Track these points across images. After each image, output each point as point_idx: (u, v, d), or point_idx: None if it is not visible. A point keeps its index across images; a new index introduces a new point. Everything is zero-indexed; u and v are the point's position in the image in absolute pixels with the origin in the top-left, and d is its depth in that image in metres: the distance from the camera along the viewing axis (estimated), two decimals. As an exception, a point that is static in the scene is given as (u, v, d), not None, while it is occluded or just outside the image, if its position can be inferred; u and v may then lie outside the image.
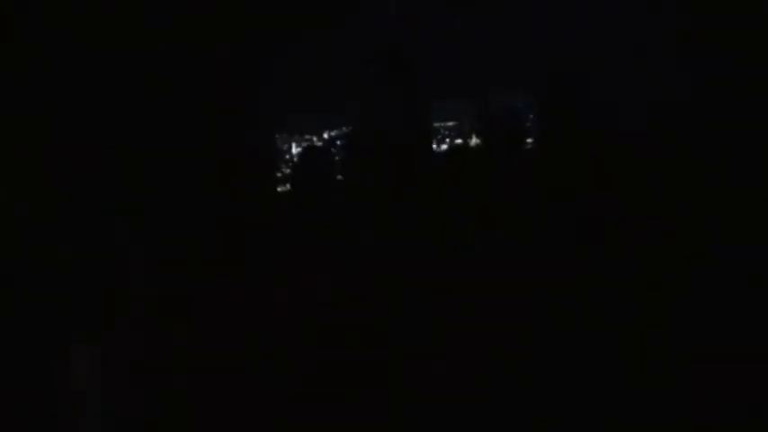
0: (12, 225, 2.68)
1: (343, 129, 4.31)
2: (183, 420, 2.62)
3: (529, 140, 3.59)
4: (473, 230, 2.99)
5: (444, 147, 4.04)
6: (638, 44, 3.26)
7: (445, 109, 3.97)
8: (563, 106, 3.31)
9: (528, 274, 2.86)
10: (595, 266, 2.86)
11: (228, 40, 3.11)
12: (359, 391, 2.65)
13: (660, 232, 2.96)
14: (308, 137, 4.31)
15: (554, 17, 3.36)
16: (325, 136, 4.28)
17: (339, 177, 3.72)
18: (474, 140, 3.86)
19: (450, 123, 4.07)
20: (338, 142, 4.17)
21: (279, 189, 3.79)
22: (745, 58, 3.05)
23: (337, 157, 3.92)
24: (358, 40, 3.75)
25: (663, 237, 2.95)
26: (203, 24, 3.04)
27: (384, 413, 2.65)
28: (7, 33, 2.66)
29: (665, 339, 2.72)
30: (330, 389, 2.66)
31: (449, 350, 2.76)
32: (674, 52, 3.22)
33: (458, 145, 3.69)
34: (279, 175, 4.15)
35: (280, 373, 2.69)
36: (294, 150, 4.25)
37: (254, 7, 3.18)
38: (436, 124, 4.10)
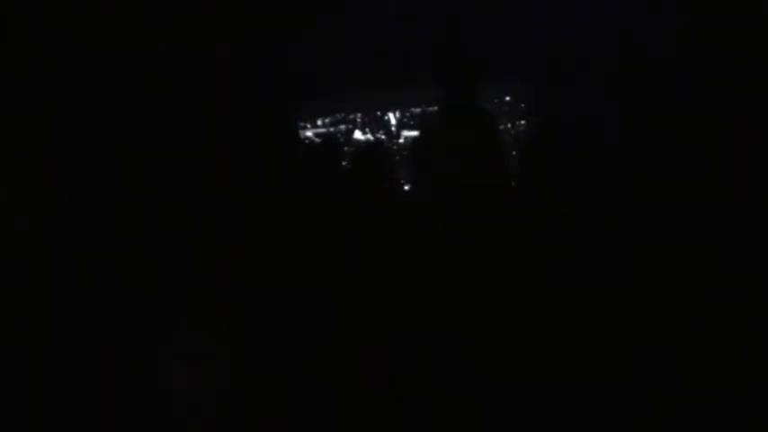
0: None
1: (338, 116, 4.29)
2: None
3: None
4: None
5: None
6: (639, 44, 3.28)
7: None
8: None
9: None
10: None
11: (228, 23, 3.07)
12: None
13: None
14: (301, 124, 4.30)
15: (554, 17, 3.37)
16: (319, 123, 4.27)
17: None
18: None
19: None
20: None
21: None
22: (746, 57, 3.07)
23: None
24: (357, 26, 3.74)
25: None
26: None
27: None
28: (7, 33, 2.62)
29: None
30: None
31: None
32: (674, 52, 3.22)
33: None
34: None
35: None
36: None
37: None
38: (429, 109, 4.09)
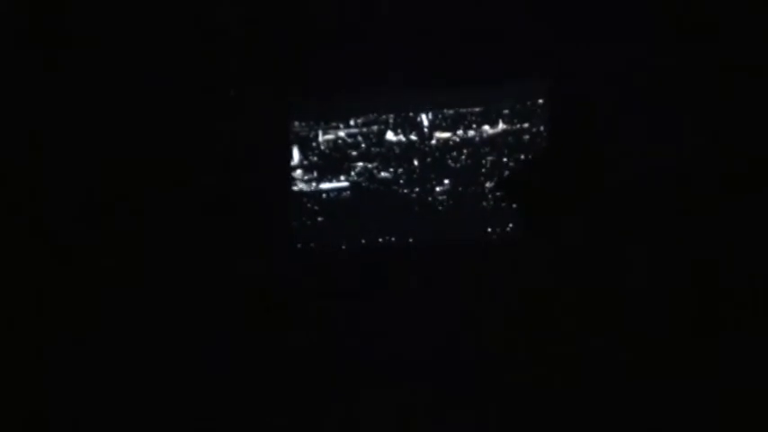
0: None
1: (370, 116, 4.25)
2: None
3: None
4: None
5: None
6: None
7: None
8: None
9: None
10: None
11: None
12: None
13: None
14: (334, 124, 4.27)
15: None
16: (352, 123, 4.24)
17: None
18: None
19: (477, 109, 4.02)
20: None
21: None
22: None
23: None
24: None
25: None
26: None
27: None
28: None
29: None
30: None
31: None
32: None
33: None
34: (305, 163, 4.16)
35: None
36: (321, 138, 4.23)
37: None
38: (462, 110, 4.05)
